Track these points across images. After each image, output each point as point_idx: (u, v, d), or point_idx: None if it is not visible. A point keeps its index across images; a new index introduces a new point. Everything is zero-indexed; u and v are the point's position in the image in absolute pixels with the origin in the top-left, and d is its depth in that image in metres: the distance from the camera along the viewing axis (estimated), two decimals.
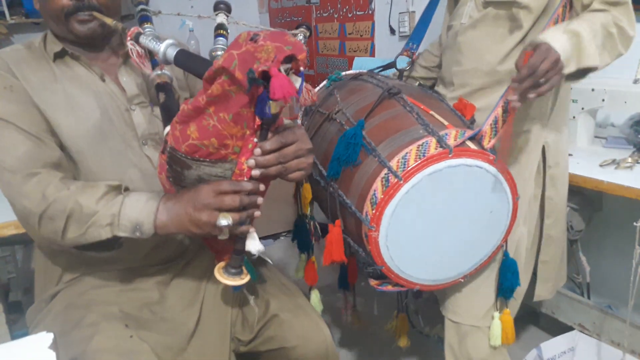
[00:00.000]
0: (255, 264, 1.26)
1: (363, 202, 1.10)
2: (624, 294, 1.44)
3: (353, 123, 1.18)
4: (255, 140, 0.90)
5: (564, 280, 1.69)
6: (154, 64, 1.10)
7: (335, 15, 3.23)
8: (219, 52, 1.13)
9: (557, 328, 1.94)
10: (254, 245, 0.98)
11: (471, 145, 1.10)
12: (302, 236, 1.46)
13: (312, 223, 1.43)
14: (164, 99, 1.08)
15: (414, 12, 2.65)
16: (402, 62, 1.55)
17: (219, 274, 0.99)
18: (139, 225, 0.96)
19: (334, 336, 2.06)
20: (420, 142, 1.07)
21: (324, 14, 3.35)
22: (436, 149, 1.06)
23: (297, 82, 0.85)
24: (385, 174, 1.06)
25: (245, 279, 1.00)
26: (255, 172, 0.92)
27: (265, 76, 0.79)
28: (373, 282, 1.19)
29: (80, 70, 1.14)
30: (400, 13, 2.73)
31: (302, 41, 1.17)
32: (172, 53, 0.97)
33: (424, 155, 1.05)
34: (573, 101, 1.84)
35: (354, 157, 1.13)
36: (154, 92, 1.15)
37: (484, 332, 1.37)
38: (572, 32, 1.16)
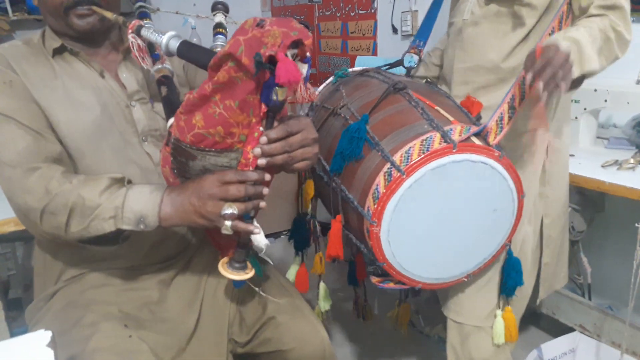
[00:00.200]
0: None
1: (365, 197, 1.09)
2: (625, 295, 1.44)
3: (357, 117, 1.17)
4: (261, 129, 0.90)
5: (565, 281, 1.67)
6: (155, 59, 1.10)
7: (338, 14, 3.23)
8: (219, 49, 1.12)
9: (557, 329, 1.94)
10: (259, 238, 0.98)
11: (476, 141, 1.09)
12: (300, 235, 1.45)
13: (312, 222, 1.42)
14: (166, 93, 1.08)
15: (416, 11, 2.65)
16: (409, 60, 1.54)
17: (223, 268, 0.99)
18: (142, 217, 0.95)
19: (333, 335, 2.06)
20: (424, 137, 1.07)
21: (327, 13, 3.35)
22: (440, 143, 1.05)
23: (304, 68, 0.84)
24: (388, 168, 1.06)
25: (249, 273, 1.00)
26: (261, 161, 0.91)
27: (272, 61, 0.79)
28: (374, 280, 1.18)
29: (80, 67, 1.13)
30: (402, 12, 2.72)
31: None
32: (174, 44, 0.96)
33: (427, 150, 1.04)
34: (575, 101, 1.84)
35: (358, 151, 1.12)
36: (154, 88, 1.15)
37: (486, 333, 1.37)
38: (572, 39, 1.16)
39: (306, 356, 1.18)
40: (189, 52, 0.96)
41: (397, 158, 1.05)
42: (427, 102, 1.18)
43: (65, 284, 1.16)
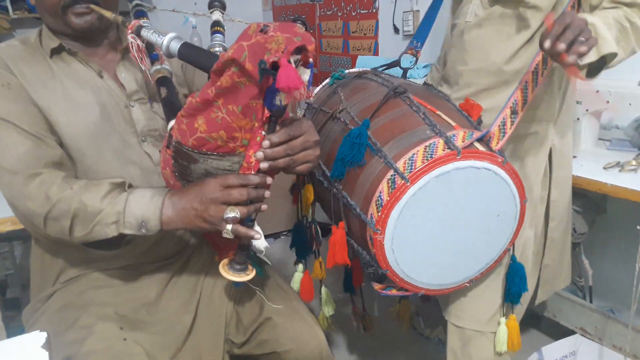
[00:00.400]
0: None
1: (368, 204, 1.08)
2: (627, 297, 1.43)
3: (358, 122, 1.16)
4: (263, 133, 0.90)
5: (567, 282, 1.67)
6: (153, 59, 1.09)
7: (339, 14, 3.22)
8: (217, 49, 1.13)
9: (558, 332, 1.93)
10: (259, 241, 0.97)
11: (479, 146, 1.08)
12: (301, 242, 1.44)
13: (312, 227, 1.41)
14: (166, 94, 1.08)
15: (418, 11, 2.64)
16: (406, 61, 1.53)
17: (224, 270, 0.99)
18: (144, 222, 0.95)
19: (332, 337, 2.06)
20: (427, 143, 1.05)
21: (328, 12, 3.33)
22: (444, 150, 1.04)
23: (306, 74, 0.85)
24: (392, 176, 1.05)
25: (250, 274, 1.00)
26: (264, 165, 0.91)
27: (275, 67, 0.79)
28: (377, 287, 1.17)
29: (78, 67, 1.12)
30: (404, 12, 2.71)
31: None
32: (175, 46, 0.95)
33: (431, 157, 1.03)
34: (577, 103, 1.82)
35: (359, 157, 1.11)
36: (153, 88, 1.14)
37: (487, 338, 1.36)
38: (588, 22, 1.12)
39: (303, 358, 1.18)
40: (190, 54, 0.96)
41: (400, 165, 1.04)
42: (428, 107, 1.17)
43: (63, 286, 1.16)
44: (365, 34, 3.04)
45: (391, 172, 1.05)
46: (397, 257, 1.09)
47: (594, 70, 1.18)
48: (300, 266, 1.42)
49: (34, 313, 1.18)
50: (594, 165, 1.64)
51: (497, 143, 1.12)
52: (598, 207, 1.84)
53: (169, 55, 0.97)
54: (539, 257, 1.52)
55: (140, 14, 1.10)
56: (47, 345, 0.80)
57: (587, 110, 1.86)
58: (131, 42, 1.03)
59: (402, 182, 1.03)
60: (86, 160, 1.09)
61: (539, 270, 1.54)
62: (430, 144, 1.05)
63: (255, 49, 0.79)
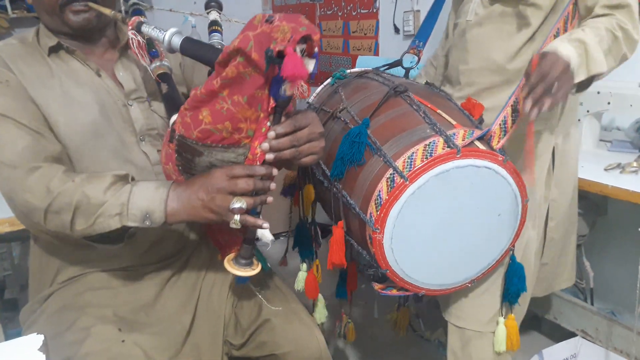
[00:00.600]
0: None
1: (367, 203, 1.07)
2: (628, 299, 1.43)
3: (358, 121, 1.16)
4: (269, 124, 0.89)
5: (570, 282, 1.66)
6: (153, 56, 1.09)
7: (339, 13, 3.22)
8: (218, 47, 1.12)
9: (559, 334, 1.93)
10: (266, 233, 0.97)
11: (480, 145, 1.08)
12: (304, 242, 1.43)
13: (312, 228, 1.40)
14: (167, 89, 1.08)
15: (418, 11, 2.63)
16: (409, 61, 1.53)
17: (230, 265, 0.98)
18: (149, 213, 0.94)
19: (331, 338, 2.05)
20: (427, 142, 1.05)
21: (328, 12, 3.33)
22: (444, 149, 1.03)
23: (311, 64, 0.84)
24: (391, 174, 1.04)
25: (256, 269, 0.99)
26: (269, 156, 0.91)
27: (281, 56, 0.79)
28: (377, 287, 1.16)
29: (76, 65, 1.12)
30: (404, 12, 2.71)
31: None
32: (177, 41, 0.95)
33: (430, 155, 1.02)
34: (578, 104, 1.82)
35: (359, 156, 1.10)
36: (152, 86, 1.14)
37: (488, 338, 1.35)
38: (578, 40, 1.14)
39: None
40: (193, 48, 0.95)
41: (399, 164, 1.03)
42: (429, 105, 1.16)
43: (61, 286, 1.15)
44: (365, 34, 3.03)
45: (390, 170, 1.04)
46: (397, 256, 1.08)
47: (584, 83, 1.19)
48: (304, 265, 1.42)
49: (32, 314, 1.17)
50: (595, 167, 1.64)
51: (498, 142, 1.11)
52: (599, 208, 1.84)
53: (171, 50, 0.97)
54: (539, 256, 1.52)
55: (138, 12, 1.10)
56: (44, 348, 0.80)
57: (588, 111, 1.86)
58: (132, 39, 1.03)
59: (401, 180, 1.02)
60: (84, 159, 1.08)
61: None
62: (430, 142, 1.04)
63: (261, 39, 0.80)
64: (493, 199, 1.12)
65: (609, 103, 1.81)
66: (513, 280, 1.26)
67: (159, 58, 1.09)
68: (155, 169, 1.14)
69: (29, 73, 1.06)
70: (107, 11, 1.05)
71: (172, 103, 1.04)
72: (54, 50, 1.10)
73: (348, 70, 1.48)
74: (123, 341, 1.04)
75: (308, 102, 1.46)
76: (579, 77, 1.13)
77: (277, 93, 0.84)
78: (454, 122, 1.12)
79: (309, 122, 0.93)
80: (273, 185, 0.95)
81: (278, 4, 4.00)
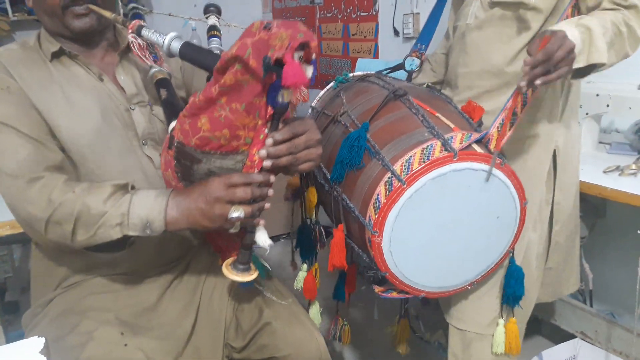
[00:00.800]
0: None
1: (366, 206, 1.08)
2: (627, 301, 1.43)
3: (358, 125, 1.16)
4: (266, 131, 0.90)
5: (575, 287, 1.65)
6: (153, 59, 1.09)
7: (339, 16, 3.22)
8: (217, 52, 1.12)
9: (559, 336, 1.93)
10: (263, 238, 0.98)
11: (477, 148, 1.08)
12: (306, 243, 1.43)
13: (317, 228, 1.40)
14: (166, 95, 1.08)
15: (418, 13, 2.63)
16: (411, 64, 1.53)
17: (228, 270, 0.99)
18: (149, 222, 0.94)
19: (330, 341, 2.05)
20: (424, 145, 1.05)
21: (328, 15, 3.33)
22: (441, 152, 1.04)
23: (309, 70, 0.85)
24: (389, 178, 1.05)
25: (254, 275, 1.00)
26: (267, 163, 0.92)
27: (279, 64, 0.80)
28: (377, 289, 1.17)
29: (78, 70, 1.11)
30: (404, 14, 2.71)
31: None
32: (177, 46, 0.95)
33: (428, 159, 1.03)
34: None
35: (358, 160, 1.11)
36: (152, 90, 1.14)
37: (489, 341, 1.35)
38: (584, 26, 1.14)
39: None
40: (192, 53, 0.96)
41: (397, 167, 1.04)
42: (428, 109, 1.16)
43: (64, 290, 1.15)
44: (365, 37, 3.03)
45: (388, 174, 1.05)
46: (396, 259, 1.08)
47: (580, 71, 1.18)
48: (305, 266, 1.43)
49: (34, 317, 1.17)
50: (594, 169, 1.64)
51: (496, 145, 1.11)
52: (598, 210, 1.84)
53: (170, 55, 0.97)
54: (544, 260, 1.51)
55: (137, 17, 1.10)
56: (46, 351, 0.79)
57: (587, 113, 1.86)
58: (132, 42, 1.03)
59: (399, 184, 1.02)
60: (88, 164, 1.08)
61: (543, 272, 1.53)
62: (428, 146, 1.05)
63: (259, 46, 0.80)
64: (491, 202, 1.12)
65: (608, 105, 1.81)
66: (510, 283, 1.27)
67: (158, 62, 1.09)
68: (160, 173, 1.14)
69: (30, 79, 1.06)
70: (107, 14, 1.05)
71: (171, 109, 1.04)
72: (56, 55, 1.10)
73: (351, 74, 1.48)
74: (125, 345, 1.04)
75: (311, 106, 1.47)
76: (579, 63, 1.13)
77: (275, 100, 0.84)
78: (452, 126, 1.13)
79: (306, 129, 0.93)
80: (271, 192, 0.95)
81: (278, 7, 4.00)
